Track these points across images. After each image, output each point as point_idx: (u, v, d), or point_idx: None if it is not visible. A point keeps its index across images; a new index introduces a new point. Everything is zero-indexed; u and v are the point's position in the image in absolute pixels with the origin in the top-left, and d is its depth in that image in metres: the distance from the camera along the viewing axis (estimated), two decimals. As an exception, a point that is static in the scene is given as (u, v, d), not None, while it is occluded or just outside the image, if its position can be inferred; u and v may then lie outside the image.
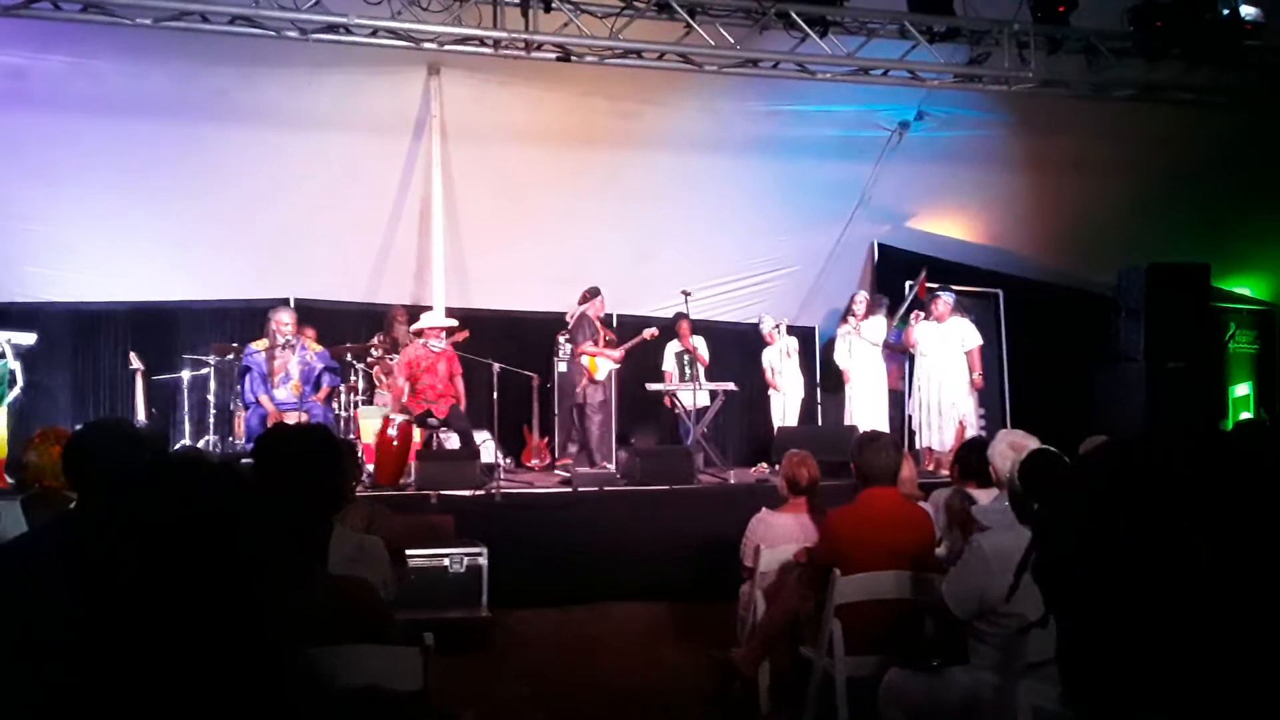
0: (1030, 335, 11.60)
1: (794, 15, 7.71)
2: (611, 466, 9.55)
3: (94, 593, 1.67)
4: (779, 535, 5.04)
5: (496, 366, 8.81)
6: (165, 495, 1.73)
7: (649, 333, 9.98)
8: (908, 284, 11.11)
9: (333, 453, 2.82)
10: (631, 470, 8.28)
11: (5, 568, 2.90)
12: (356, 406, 9.43)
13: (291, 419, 8.20)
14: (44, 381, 9.13)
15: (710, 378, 10.31)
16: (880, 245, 11.70)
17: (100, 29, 7.15)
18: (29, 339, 8.22)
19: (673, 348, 10.46)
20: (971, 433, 9.22)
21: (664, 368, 10.48)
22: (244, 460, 7.45)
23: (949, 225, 11.51)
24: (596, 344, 10.00)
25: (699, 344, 10.45)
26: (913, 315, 10.09)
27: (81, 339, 10.31)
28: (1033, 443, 3.95)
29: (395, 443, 8.02)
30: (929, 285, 10.29)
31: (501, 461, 9.07)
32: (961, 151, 10.29)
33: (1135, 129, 9.29)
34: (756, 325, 10.99)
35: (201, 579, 1.62)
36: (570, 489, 7.98)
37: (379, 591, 2.81)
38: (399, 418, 8.20)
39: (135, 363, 9.18)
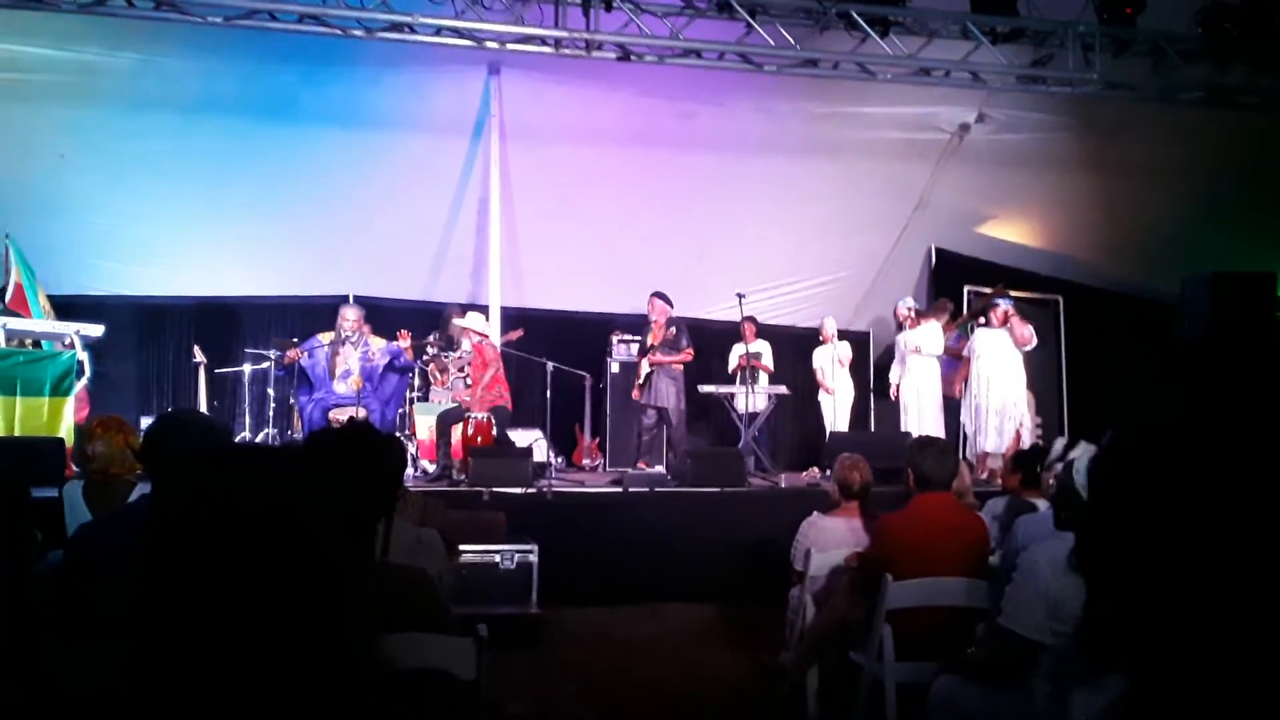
0: (1091, 342, 11.42)
1: (855, 15, 7.67)
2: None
3: (157, 575, 1.71)
4: (830, 539, 5.01)
5: (550, 366, 8.87)
6: (226, 480, 1.76)
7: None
8: (967, 288, 11.00)
9: (378, 445, 2.87)
10: (682, 472, 8.29)
11: (81, 548, 2.99)
12: (412, 403, 9.54)
13: (347, 414, 8.33)
14: (110, 373, 9.34)
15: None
16: (938, 249, 11.59)
17: (171, 27, 7.32)
18: (97, 331, 8.40)
19: (738, 350, 10.46)
20: (1026, 440, 9.08)
21: (730, 369, 10.51)
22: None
23: (1009, 229, 11.36)
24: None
25: (763, 350, 10.43)
26: (975, 321, 9.97)
27: (147, 332, 10.56)
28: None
29: (479, 440, 8.24)
30: (982, 291, 10.19)
31: (553, 460, 9.13)
32: (1023, 154, 10.16)
33: (1202, 133, 9.10)
34: (811, 328, 10.95)
35: (266, 563, 1.65)
36: (621, 489, 8.00)
37: (435, 581, 2.85)
38: (479, 415, 8.39)
39: (198, 356, 9.39)
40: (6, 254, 9.02)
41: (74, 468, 7.35)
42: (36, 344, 8.39)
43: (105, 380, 9.04)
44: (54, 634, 2.73)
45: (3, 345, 8.07)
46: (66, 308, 9.26)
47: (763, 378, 10.41)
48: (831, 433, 10.02)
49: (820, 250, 11.38)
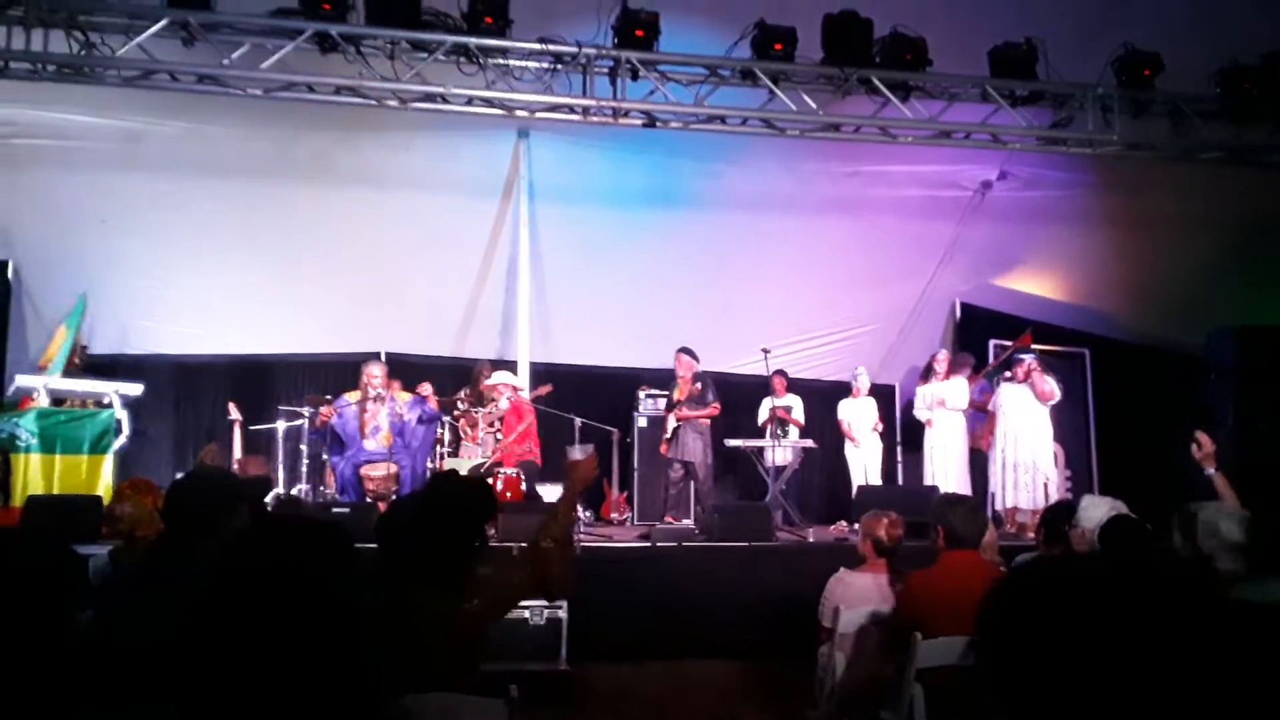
0: (1117, 396, 11.40)
1: (876, 81, 7.82)
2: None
3: (187, 639, 1.78)
4: (858, 596, 5.02)
5: (578, 421, 8.97)
6: (266, 553, 1.82)
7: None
8: (992, 342, 11.04)
9: (468, 491, 3.01)
10: (710, 526, 8.32)
11: (110, 606, 3.06)
12: (443, 458, 9.64)
13: (379, 470, 8.45)
14: (148, 431, 9.51)
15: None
16: (963, 304, 11.65)
17: (211, 96, 7.56)
18: (136, 390, 8.58)
19: (768, 403, 10.52)
20: (1054, 494, 9.06)
21: (760, 422, 10.56)
22: (336, 509, 7.70)
23: (1033, 284, 11.42)
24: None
25: (793, 403, 10.50)
26: (1000, 375, 10.02)
27: (183, 390, 10.78)
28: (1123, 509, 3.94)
29: (509, 495, 8.33)
30: (1006, 344, 10.23)
31: (581, 515, 9.19)
32: (1045, 210, 10.24)
33: (1224, 189, 9.16)
34: (836, 382, 11.00)
35: (296, 635, 1.69)
36: (649, 543, 8.04)
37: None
38: (509, 471, 8.52)
39: (234, 413, 9.55)
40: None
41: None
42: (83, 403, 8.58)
43: (144, 438, 9.20)
44: (93, 698, 2.79)
45: (45, 405, 8.28)
46: (108, 367, 9.49)
47: (792, 431, 10.46)
48: (859, 487, 10.03)
49: (845, 305, 11.48)
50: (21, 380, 8.46)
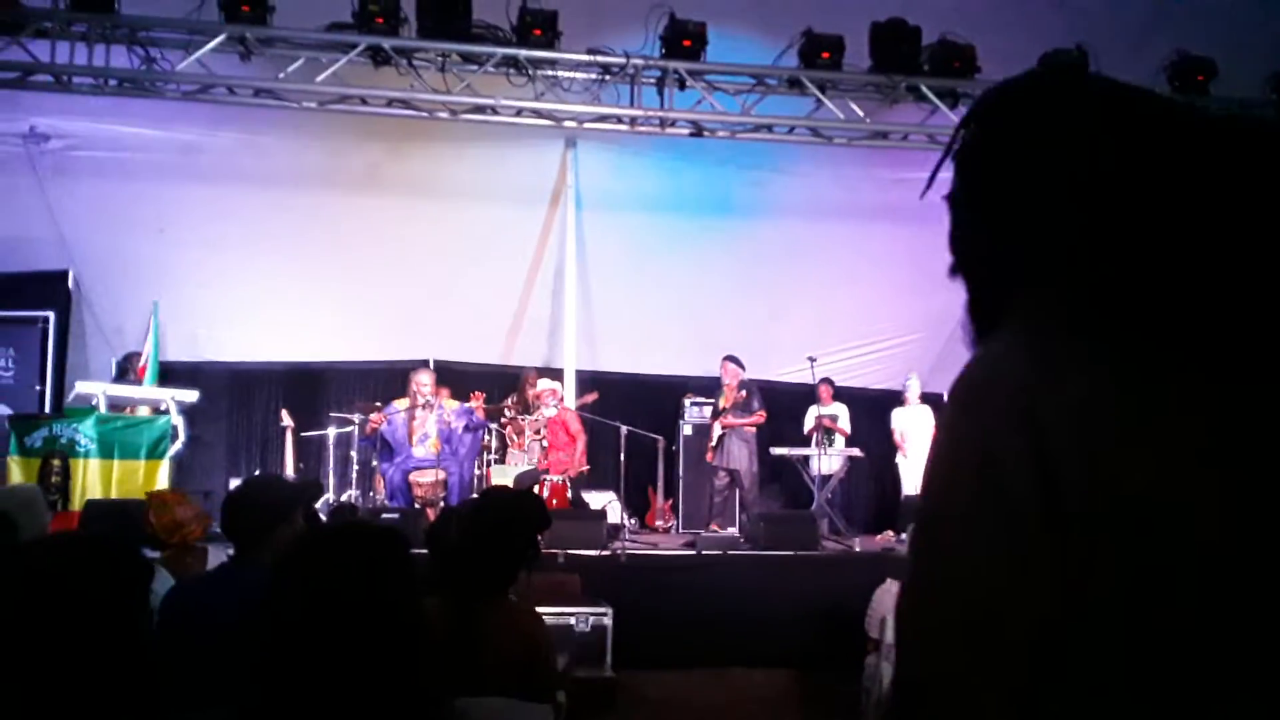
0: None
1: (924, 88, 7.79)
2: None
3: (248, 643, 1.82)
4: (905, 607, 5.00)
5: (624, 429, 9.00)
6: (325, 560, 1.86)
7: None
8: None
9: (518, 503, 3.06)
10: (755, 535, 8.31)
11: (174, 615, 3.13)
12: (490, 465, 9.72)
13: (428, 476, 8.55)
14: (203, 437, 9.67)
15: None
16: (1012, 312, 11.51)
17: (266, 109, 7.72)
18: (192, 396, 8.74)
19: (813, 411, 10.48)
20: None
21: (805, 430, 10.52)
22: (385, 515, 7.80)
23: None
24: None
25: (839, 412, 10.44)
26: None
27: (237, 397, 10.95)
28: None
29: (555, 503, 8.40)
30: None
31: (627, 522, 9.23)
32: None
33: None
34: (884, 390, 10.92)
35: (354, 639, 1.73)
36: (694, 551, 8.05)
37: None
38: (555, 478, 8.61)
39: (286, 420, 9.71)
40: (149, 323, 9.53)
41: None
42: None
43: (199, 444, 9.37)
44: (159, 703, 2.85)
45: (104, 411, 8.46)
46: (164, 374, 9.67)
47: (838, 440, 10.41)
48: (906, 496, 9.96)
49: (892, 313, 11.40)
50: (81, 387, 8.65)
